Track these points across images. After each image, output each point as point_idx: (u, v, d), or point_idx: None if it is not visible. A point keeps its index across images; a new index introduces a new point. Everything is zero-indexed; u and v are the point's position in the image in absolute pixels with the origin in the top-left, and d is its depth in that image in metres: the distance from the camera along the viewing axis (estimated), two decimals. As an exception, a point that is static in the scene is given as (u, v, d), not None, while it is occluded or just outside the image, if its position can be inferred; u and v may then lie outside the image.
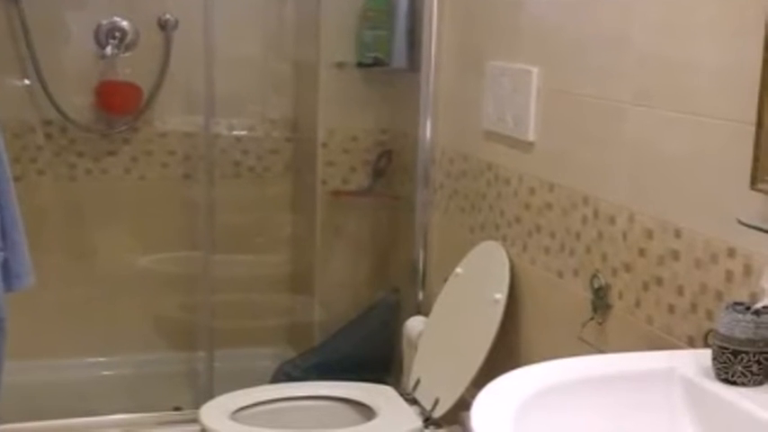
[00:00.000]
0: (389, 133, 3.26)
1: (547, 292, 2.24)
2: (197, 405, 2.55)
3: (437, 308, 2.63)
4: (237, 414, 2.46)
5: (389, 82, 3.18)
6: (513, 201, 2.41)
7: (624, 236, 1.93)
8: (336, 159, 3.25)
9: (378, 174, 3.25)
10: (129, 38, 3.19)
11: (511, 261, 2.37)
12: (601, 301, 1.99)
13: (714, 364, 1.43)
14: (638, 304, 1.90)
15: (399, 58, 3.04)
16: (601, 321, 1.99)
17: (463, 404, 2.25)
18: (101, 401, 3.07)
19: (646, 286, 1.87)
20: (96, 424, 2.86)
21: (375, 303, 3.17)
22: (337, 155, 3.25)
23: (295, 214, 3.47)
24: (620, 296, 1.95)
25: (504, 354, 2.33)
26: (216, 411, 2.44)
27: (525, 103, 2.30)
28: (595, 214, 2.04)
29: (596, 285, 2.00)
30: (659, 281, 1.83)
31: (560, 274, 2.18)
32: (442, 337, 2.56)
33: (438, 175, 2.87)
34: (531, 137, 2.30)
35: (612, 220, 1.98)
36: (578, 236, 2.11)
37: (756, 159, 1.54)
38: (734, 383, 1.40)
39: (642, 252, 1.88)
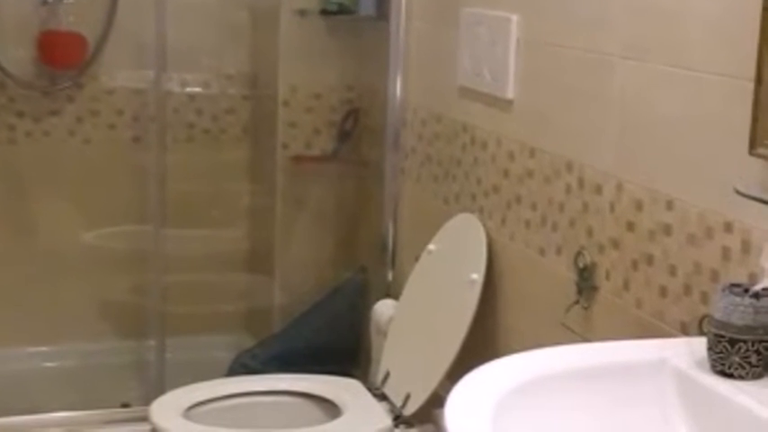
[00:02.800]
0: (356, 90, 3.24)
1: (527, 272, 2.24)
2: (147, 401, 2.56)
3: (408, 290, 2.63)
4: (191, 411, 2.46)
5: (356, 32, 3.16)
6: (490, 167, 2.40)
7: (611, 207, 1.93)
8: (298, 120, 3.24)
9: (343, 136, 3.24)
10: (73, -19, 3.16)
11: (488, 236, 2.36)
12: (586, 282, 1.99)
13: (709, 355, 1.42)
14: (626, 286, 1.89)
15: (367, 5, 3.03)
16: (586, 306, 1.99)
17: (436, 400, 2.25)
18: (41, 397, 3.07)
19: (635, 265, 1.86)
20: (36, 423, 2.85)
21: (340, 285, 3.17)
22: (299, 114, 3.23)
23: (253, 183, 3.46)
24: (607, 276, 1.95)
25: (481, 342, 2.33)
26: (167, 408, 2.45)
27: (504, 56, 2.29)
28: (580, 183, 2.03)
29: (581, 264, 2.00)
30: (649, 259, 1.82)
31: (542, 252, 2.18)
32: (413, 323, 2.56)
33: (409, 138, 2.86)
34: (511, 94, 2.29)
35: (599, 190, 1.97)
36: (561, 207, 2.10)
37: (755, 120, 1.52)
38: (731, 376, 1.40)
39: (631, 226, 1.87)
